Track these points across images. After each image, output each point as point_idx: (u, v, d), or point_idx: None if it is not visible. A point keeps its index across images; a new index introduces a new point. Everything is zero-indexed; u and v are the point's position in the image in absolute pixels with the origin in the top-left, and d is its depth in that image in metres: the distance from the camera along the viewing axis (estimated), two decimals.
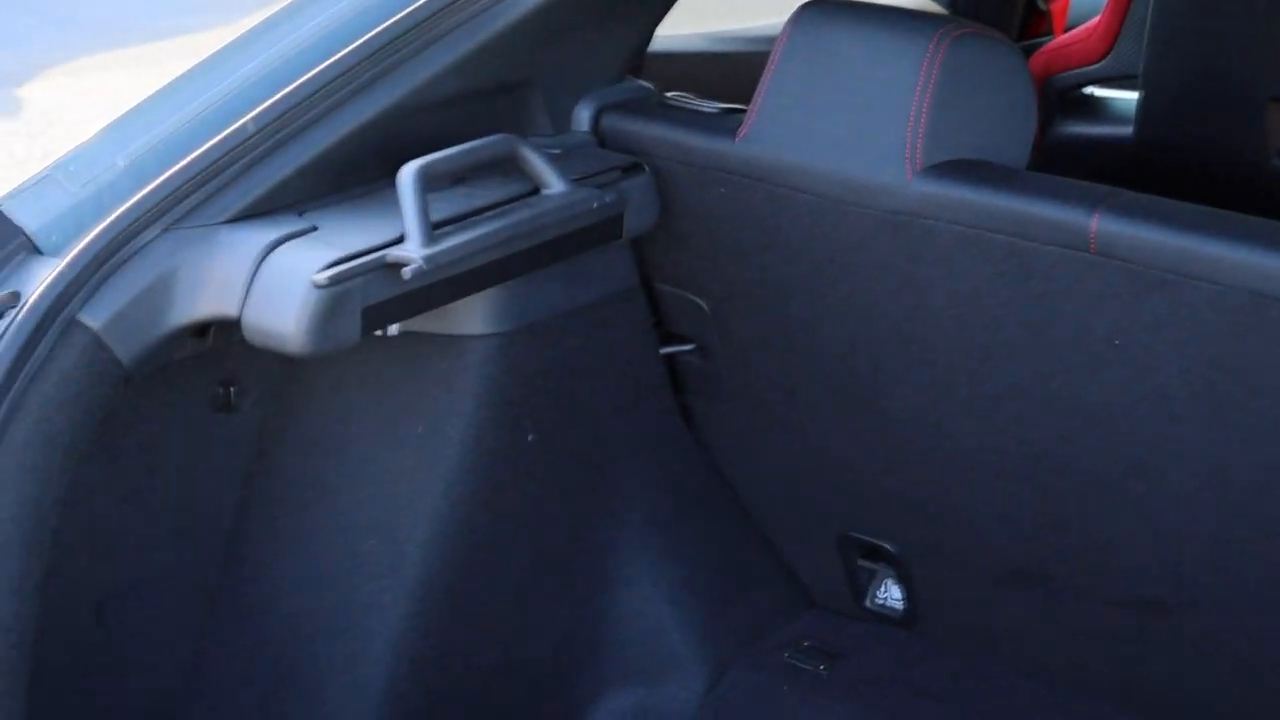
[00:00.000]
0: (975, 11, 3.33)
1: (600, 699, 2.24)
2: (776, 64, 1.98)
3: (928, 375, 2.00)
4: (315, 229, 1.80)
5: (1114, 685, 2.15)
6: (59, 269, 1.70)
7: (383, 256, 1.77)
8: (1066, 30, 3.42)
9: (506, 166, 1.94)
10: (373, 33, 1.85)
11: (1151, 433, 1.88)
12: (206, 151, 1.77)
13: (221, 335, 1.83)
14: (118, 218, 1.73)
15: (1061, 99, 3.15)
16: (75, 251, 1.71)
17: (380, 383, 2.02)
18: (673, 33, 2.32)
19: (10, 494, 1.65)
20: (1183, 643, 2.04)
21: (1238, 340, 1.76)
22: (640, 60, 2.19)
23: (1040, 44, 3.32)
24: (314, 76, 1.81)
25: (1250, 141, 2.84)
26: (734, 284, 2.11)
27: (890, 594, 2.31)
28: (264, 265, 1.75)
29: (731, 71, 2.28)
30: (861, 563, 2.30)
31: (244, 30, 1.91)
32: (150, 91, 1.88)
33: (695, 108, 2.11)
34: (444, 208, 1.85)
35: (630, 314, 2.16)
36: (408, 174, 1.81)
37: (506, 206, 1.90)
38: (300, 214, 1.82)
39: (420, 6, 1.87)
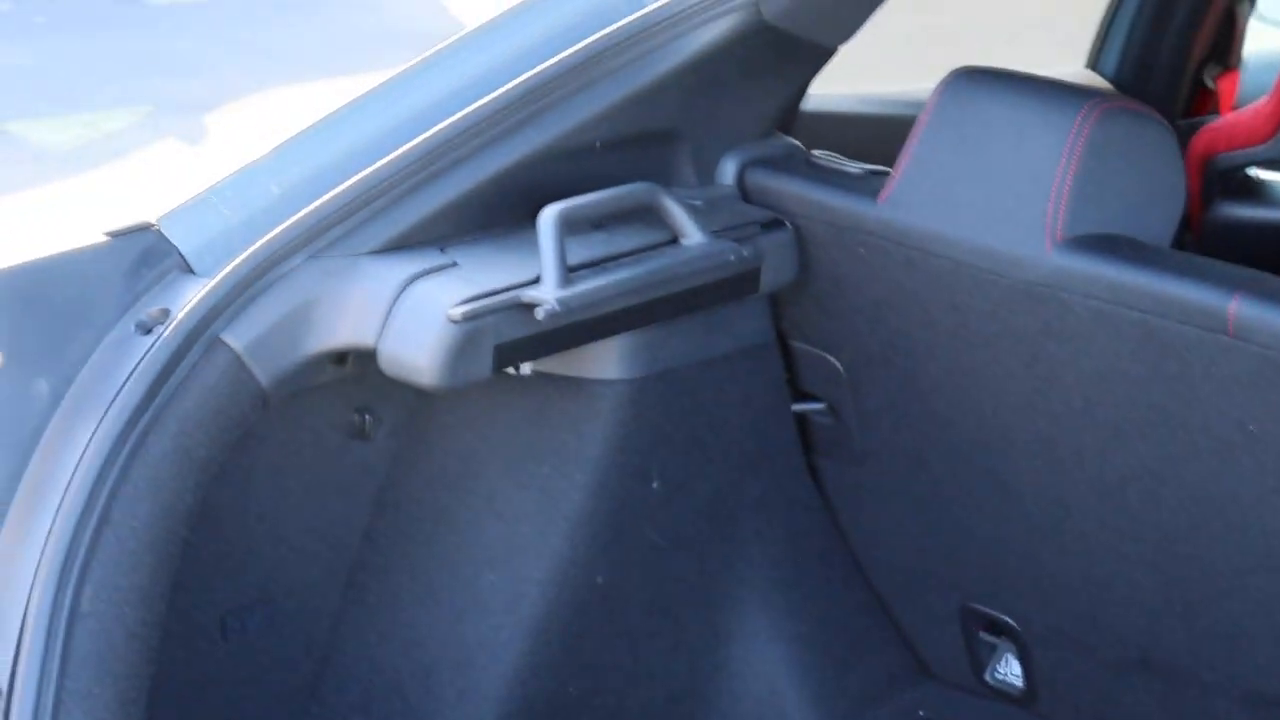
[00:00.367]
0: (1141, 87, 3.28)
1: None
2: (923, 128, 1.98)
3: (1055, 451, 1.97)
4: (455, 264, 1.83)
5: None
6: (208, 288, 1.75)
7: (517, 296, 1.80)
8: (1234, 109, 3.36)
9: (647, 215, 1.96)
10: (525, 77, 1.88)
11: None
12: (356, 184, 1.81)
13: (360, 364, 1.87)
14: (267, 243, 1.78)
15: (1224, 179, 3.08)
16: (224, 273, 1.76)
17: (510, 422, 2.05)
18: (824, 91, 2.33)
19: (144, 505, 1.69)
20: None
21: None
22: (792, 117, 2.19)
23: (1205, 122, 3.26)
24: (464, 117, 1.85)
25: None
26: (868, 346, 2.11)
27: (1010, 669, 2.28)
28: (402, 297, 1.79)
29: (880, 134, 2.28)
30: (983, 635, 2.27)
31: (402, 68, 1.97)
32: (309, 123, 1.93)
33: (840, 168, 2.10)
34: (582, 251, 1.87)
35: (763, 368, 2.16)
36: (548, 216, 1.84)
37: (643, 254, 1.92)
38: (442, 250, 1.85)
39: (573, 54, 1.89)
